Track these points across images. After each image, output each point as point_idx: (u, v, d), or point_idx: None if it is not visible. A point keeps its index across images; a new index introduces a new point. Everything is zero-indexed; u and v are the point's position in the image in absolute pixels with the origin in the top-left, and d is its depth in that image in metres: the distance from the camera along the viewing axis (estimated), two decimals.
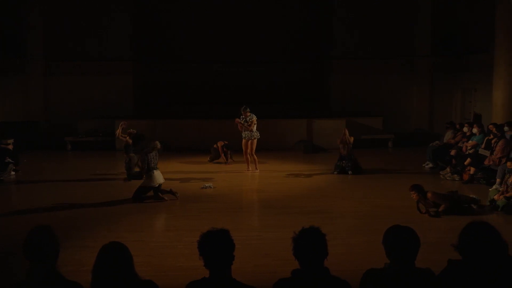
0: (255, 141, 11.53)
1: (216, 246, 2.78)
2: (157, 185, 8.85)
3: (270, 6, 19.28)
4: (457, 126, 12.90)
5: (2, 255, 6.04)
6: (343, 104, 17.81)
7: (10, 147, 12.65)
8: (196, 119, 16.38)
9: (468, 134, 11.82)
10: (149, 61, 19.05)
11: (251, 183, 10.94)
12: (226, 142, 13.11)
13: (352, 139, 11.53)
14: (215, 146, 13.18)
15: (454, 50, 17.48)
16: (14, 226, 7.21)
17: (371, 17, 17.92)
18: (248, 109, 11.48)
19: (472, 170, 10.32)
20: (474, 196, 8.10)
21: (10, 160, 11.53)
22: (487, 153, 10.34)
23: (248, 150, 11.57)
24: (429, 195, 7.70)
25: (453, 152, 11.23)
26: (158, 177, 8.87)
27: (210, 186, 9.96)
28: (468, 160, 10.51)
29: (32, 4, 17.13)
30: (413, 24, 18.00)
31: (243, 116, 11.48)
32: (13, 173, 11.48)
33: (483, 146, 10.71)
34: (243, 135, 11.55)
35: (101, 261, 2.70)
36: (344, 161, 11.39)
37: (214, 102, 18.62)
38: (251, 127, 11.44)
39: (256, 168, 11.68)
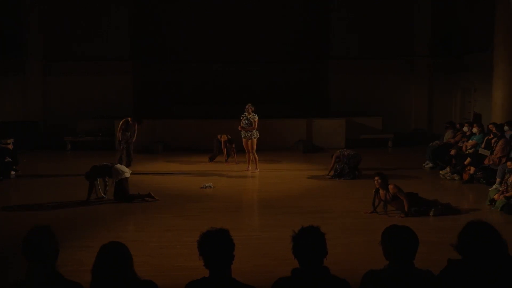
0: (255, 140, 11.53)
1: (216, 246, 2.77)
2: (127, 175, 8.75)
3: (270, 6, 19.28)
4: (457, 125, 12.90)
5: (1, 255, 6.03)
6: (343, 104, 17.81)
7: (10, 146, 12.64)
8: (196, 119, 16.38)
9: (468, 133, 11.82)
10: (149, 61, 19.04)
11: (251, 182, 10.94)
12: (229, 137, 13.03)
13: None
14: (218, 137, 13.09)
15: (454, 50, 17.49)
16: (14, 226, 7.20)
17: (370, 17, 17.92)
18: (253, 108, 11.45)
19: (472, 169, 10.32)
20: (435, 200, 7.98)
21: (10, 160, 11.51)
22: (487, 152, 10.34)
23: (249, 149, 11.56)
24: (390, 186, 7.63)
25: (453, 152, 11.23)
26: (121, 168, 8.82)
27: (210, 186, 9.94)
28: (468, 159, 10.50)
29: (32, 4, 17.12)
30: (412, 24, 18.00)
31: (246, 113, 11.46)
32: (13, 172, 11.48)
33: (483, 145, 10.71)
34: (243, 135, 11.56)
35: (101, 261, 2.69)
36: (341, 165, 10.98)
37: (214, 102, 18.62)
38: (252, 127, 11.44)
39: (256, 168, 11.69)
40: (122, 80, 17.73)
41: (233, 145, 12.99)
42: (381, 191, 7.72)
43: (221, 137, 13.08)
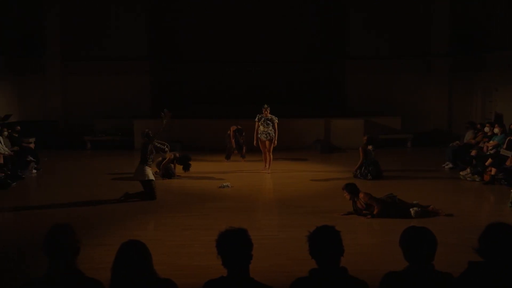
0: (274, 140, 11.46)
1: (234, 245, 2.76)
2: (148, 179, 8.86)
3: (287, 5, 19.23)
4: (478, 126, 12.70)
5: (21, 253, 6.13)
6: (361, 103, 17.67)
7: (32, 146, 12.87)
8: (212, 119, 16.42)
9: (489, 134, 11.63)
10: (166, 61, 19.16)
11: (268, 182, 10.92)
12: (239, 127, 13.04)
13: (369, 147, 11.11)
14: (228, 132, 13.13)
15: (473, 49, 17.18)
16: (33, 224, 7.31)
17: (388, 16, 17.74)
18: (269, 109, 11.36)
19: (493, 171, 10.15)
20: (414, 202, 7.75)
21: (32, 159, 11.73)
22: (508, 153, 10.16)
23: (266, 150, 11.45)
24: (361, 195, 7.53)
25: (473, 153, 11.07)
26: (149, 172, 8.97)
27: (228, 186, 9.96)
28: (489, 160, 10.33)
29: (50, 4, 17.39)
30: (430, 22, 17.75)
31: (263, 115, 11.34)
32: (34, 171, 11.67)
33: (504, 146, 10.52)
34: (264, 137, 11.34)
35: (120, 259, 2.71)
36: (364, 167, 10.96)
37: (231, 102, 18.64)
38: (275, 130, 11.33)
39: (269, 168, 11.57)
40: (140, 80, 17.87)
41: (243, 135, 12.97)
42: (357, 202, 7.60)
43: (230, 131, 13.09)
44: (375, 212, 7.48)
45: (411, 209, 7.45)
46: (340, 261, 2.82)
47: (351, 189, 7.60)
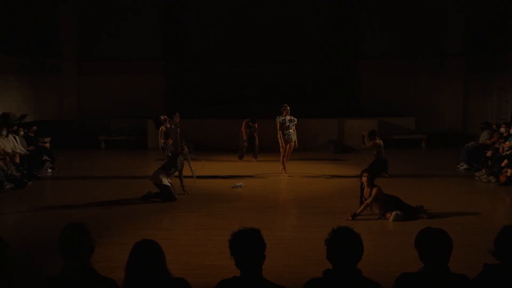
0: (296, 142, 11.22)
1: (248, 245, 2.77)
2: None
3: (299, 5, 19.19)
4: (494, 126, 12.56)
5: (36, 250, 6.20)
6: (374, 104, 17.57)
7: (47, 145, 13.03)
8: (225, 119, 16.45)
9: (505, 134, 11.48)
10: (179, 61, 19.24)
11: (281, 183, 10.91)
12: (251, 118, 13.13)
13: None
14: (241, 129, 13.17)
15: (489, 48, 16.97)
16: (47, 224, 7.38)
17: (402, 15, 17.62)
18: (288, 108, 11.07)
19: (509, 172, 10.03)
20: (418, 206, 7.70)
21: (47, 158, 11.87)
22: None
23: (287, 153, 11.13)
24: (375, 189, 7.44)
25: (489, 153, 10.95)
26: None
27: (241, 186, 9.97)
28: (505, 161, 10.21)
29: (65, 5, 17.59)
30: (445, 21, 17.58)
31: (283, 116, 10.99)
32: (49, 170, 11.81)
33: None
34: (293, 138, 11.01)
35: (134, 258, 2.73)
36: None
37: (244, 102, 18.65)
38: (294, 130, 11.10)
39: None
40: (154, 80, 18.01)
41: (256, 126, 12.97)
42: (366, 189, 7.54)
43: (242, 126, 13.14)
44: (369, 200, 7.43)
45: (393, 212, 7.38)
46: (357, 264, 2.80)
47: (371, 178, 7.55)
